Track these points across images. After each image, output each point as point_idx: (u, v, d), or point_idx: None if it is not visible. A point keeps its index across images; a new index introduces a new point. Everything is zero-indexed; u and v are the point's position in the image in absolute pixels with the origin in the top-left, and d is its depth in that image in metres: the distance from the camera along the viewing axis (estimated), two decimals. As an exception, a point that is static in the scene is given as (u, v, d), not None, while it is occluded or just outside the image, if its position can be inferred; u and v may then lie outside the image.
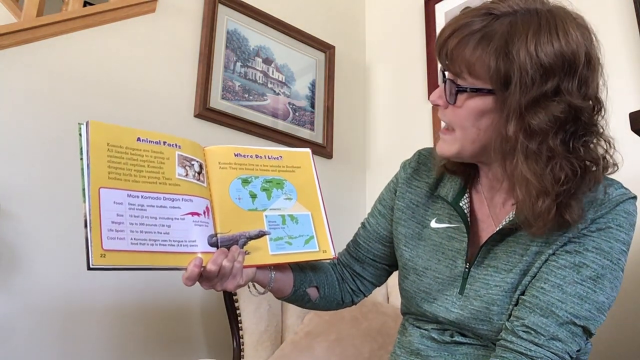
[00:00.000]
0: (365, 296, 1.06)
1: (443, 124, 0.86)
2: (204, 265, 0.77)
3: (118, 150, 0.76)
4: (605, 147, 0.78)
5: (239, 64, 1.96)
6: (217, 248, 0.80)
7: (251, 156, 0.90)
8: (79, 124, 0.75)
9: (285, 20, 2.12)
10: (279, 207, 0.89)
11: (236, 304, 1.52)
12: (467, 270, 0.85)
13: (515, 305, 0.80)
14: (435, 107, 0.82)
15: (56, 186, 1.49)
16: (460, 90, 0.78)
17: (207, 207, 0.82)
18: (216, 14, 1.93)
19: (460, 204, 0.89)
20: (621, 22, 1.55)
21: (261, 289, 0.92)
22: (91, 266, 0.69)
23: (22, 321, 1.38)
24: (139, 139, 0.79)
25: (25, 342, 1.38)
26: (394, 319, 1.02)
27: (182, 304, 1.65)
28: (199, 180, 0.83)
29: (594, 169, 0.77)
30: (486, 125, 0.79)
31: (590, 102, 0.76)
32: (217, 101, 1.86)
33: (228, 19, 1.98)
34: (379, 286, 1.07)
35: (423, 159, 0.99)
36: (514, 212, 0.82)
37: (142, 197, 0.76)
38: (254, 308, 1.51)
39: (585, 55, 0.75)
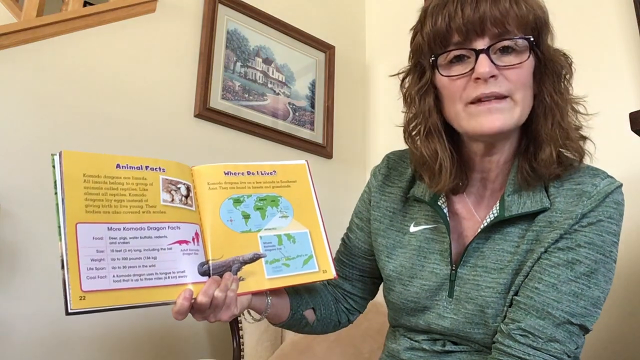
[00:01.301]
0: (360, 313, 1.03)
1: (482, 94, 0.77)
2: (194, 297, 0.72)
3: (96, 181, 0.71)
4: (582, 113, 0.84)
5: (239, 64, 1.96)
6: (209, 276, 0.75)
7: (242, 173, 0.85)
8: (52, 155, 0.71)
9: (285, 20, 2.12)
10: (274, 226, 0.83)
11: (236, 304, 1.52)
12: (453, 271, 0.83)
13: (510, 306, 0.78)
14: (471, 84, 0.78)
15: (56, 186, 1.49)
16: (531, 45, 0.77)
17: (196, 233, 0.77)
18: (216, 14, 1.93)
19: (439, 203, 0.86)
20: (621, 22, 1.55)
21: (257, 316, 0.87)
22: (70, 311, 0.64)
23: (21, 322, 1.38)
24: (118, 166, 0.74)
25: (24, 343, 1.38)
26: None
27: (182, 304, 1.64)
28: (186, 204, 0.77)
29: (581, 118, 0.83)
30: (533, 79, 0.80)
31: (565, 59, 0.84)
32: (217, 101, 1.86)
33: (228, 19, 1.98)
34: (372, 299, 1.04)
35: (392, 163, 0.98)
36: (497, 207, 0.82)
37: (124, 229, 0.71)
38: (254, 308, 1.51)
39: None
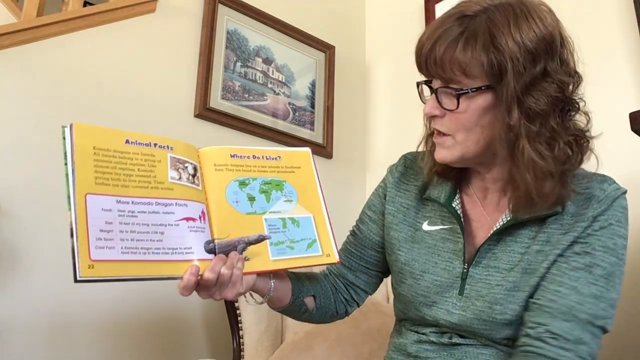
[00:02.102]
0: (358, 306, 1.04)
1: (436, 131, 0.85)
2: (200, 273, 0.73)
3: (105, 154, 0.72)
4: (585, 121, 0.82)
5: (239, 64, 1.96)
6: (215, 255, 0.76)
7: (248, 157, 0.86)
8: (62, 126, 0.71)
9: (285, 20, 2.12)
10: (278, 209, 0.85)
11: (236, 304, 1.52)
12: (465, 270, 0.85)
13: (525, 309, 0.80)
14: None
15: (56, 186, 1.48)
16: (461, 93, 0.78)
17: (202, 212, 0.78)
18: (216, 14, 1.93)
19: (453, 205, 0.89)
20: (621, 22, 1.55)
21: (259, 299, 0.88)
22: (78, 278, 0.65)
23: (21, 322, 1.38)
24: (127, 142, 0.75)
25: (24, 343, 1.38)
26: (394, 319, 1.02)
27: (183, 304, 1.65)
28: (193, 183, 0.78)
29: (582, 142, 0.81)
30: (489, 122, 0.80)
31: (572, 77, 0.80)
32: (217, 101, 1.86)
33: (228, 19, 1.98)
34: (371, 294, 1.06)
35: (409, 162, 1.00)
36: (508, 213, 0.84)
37: (132, 202, 0.71)
38: (254, 308, 1.51)
39: (560, 35, 0.79)
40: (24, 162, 1.47)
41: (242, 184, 0.83)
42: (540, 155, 0.77)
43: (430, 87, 0.83)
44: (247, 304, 1.05)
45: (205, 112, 1.82)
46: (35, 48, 1.55)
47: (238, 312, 1.51)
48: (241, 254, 0.78)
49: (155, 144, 0.77)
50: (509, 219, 0.84)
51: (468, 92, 0.78)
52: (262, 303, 0.89)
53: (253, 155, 0.87)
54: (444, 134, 0.83)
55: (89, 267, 0.65)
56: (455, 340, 0.86)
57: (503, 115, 0.78)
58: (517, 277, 0.81)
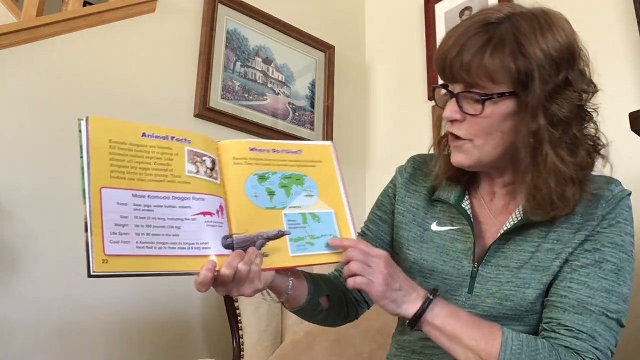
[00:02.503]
0: (368, 307, 1.04)
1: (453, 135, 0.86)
2: (218, 269, 0.71)
3: (121, 147, 0.71)
4: (595, 128, 0.84)
5: (239, 64, 1.96)
6: (233, 250, 0.74)
7: (268, 150, 0.84)
8: (78, 120, 0.71)
9: (285, 20, 2.12)
10: (299, 204, 0.82)
11: (236, 304, 1.52)
12: (475, 269, 0.87)
13: (535, 305, 0.82)
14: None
15: (57, 187, 1.49)
16: (487, 98, 0.79)
17: (221, 206, 0.76)
18: (216, 14, 1.93)
19: (463, 206, 0.91)
20: (621, 22, 1.55)
21: (276, 298, 0.86)
22: (92, 273, 0.64)
23: (21, 323, 1.38)
24: (144, 135, 0.73)
25: (24, 343, 1.38)
26: (394, 319, 1.02)
27: (183, 304, 1.65)
28: (211, 177, 0.77)
29: (599, 149, 0.83)
30: (510, 128, 0.81)
31: (589, 87, 0.82)
32: (217, 101, 1.86)
33: (228, 19, 1.98)
34: None
35: (418, 164, 1.01)
36: (519, 213, 0.85)
37: (148, 197, 0.70)
38: (254, 308, 1.51)
39: (577, 46, 0.82)
40: (24, 162, 1.47)
41: (262, 178, 0.81)
42: (563, 161, 0.78)
43: (451, 92, 0.83)
44: (264, 301, 1.04)
45: (205, 112, 1.82)
46: (35, 48, 1.55)
47: (238, 312, 1.51)
48: (260, 249, 0.76)
49: (172, 137, 0.76)
50: (519, 219, 0.85)
51: (494, 98, 0.79)
52: (279, 302, 0.87)
53: (273, 149, 0.85)
54: (461, 139, 0.83)
55: (103, 262, 0.64)
56: None
57: (526, 122, 0.79)
58: (527, 275, 0.82)
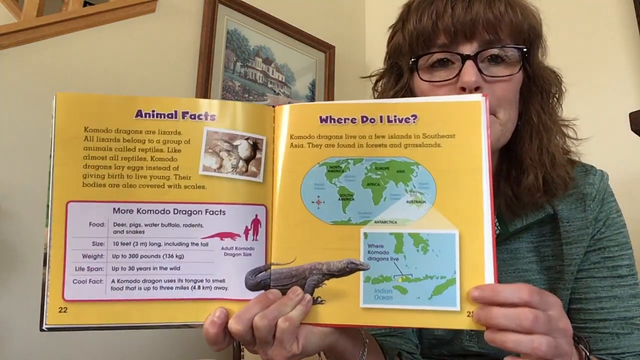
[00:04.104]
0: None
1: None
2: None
3: (103, 137, 0.51)
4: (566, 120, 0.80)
5: (239, 64, 1.96)
6: (266, 290, 0.50)
7: (351, 120, 0.52)
8: (54, 97, 0.46)
9: (285, 20, 2.12)
10: (394, 218, 0.50)
11: (236, 304, 1.52)
12: None
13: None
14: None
15: (56, 186, 1.49)
16: (523, 57, 0.68)
17: (255, 220, 0.51)
18: (216, 14, 1.93)
19: None
20: (621, 22, 1.55)
21: None
22: (43, 327, 0.47)
23: (21, 322, 1.38)
24: (139, 114, 0.51)
25: (24, 343, 1.38)
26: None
27: (182, 304, 1.64)
28: (245, 173, 0.51)
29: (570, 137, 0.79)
30: (518, 96, 0.72)
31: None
32: (217, 101, 1.86)
33: (228, 19, 1.98)
34: None
35: None
36: (497, 222, 0.76)
37: (138, 211, 0.49)
38: (254, 308, 1.50)
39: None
40: (24, 162, 1.47)
41: (334, 169, 0.52)
42: (556, 138, 0.73)
43: (460, 55, 0.66)
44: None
45: (205, 112, 1.82)
46: (35, 48, 1.55)
47: (238, 312, 1.51)
48: (311, 292, 0.50)
49: (184, 114, 0.51)
50: (499, 232, 0.74)
51: (525, 56, 0.68)
52: None
53: (362, 116, 0.52)
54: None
55: (59, 311, 0.46)
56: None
57: (528, 90, 0.72)
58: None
